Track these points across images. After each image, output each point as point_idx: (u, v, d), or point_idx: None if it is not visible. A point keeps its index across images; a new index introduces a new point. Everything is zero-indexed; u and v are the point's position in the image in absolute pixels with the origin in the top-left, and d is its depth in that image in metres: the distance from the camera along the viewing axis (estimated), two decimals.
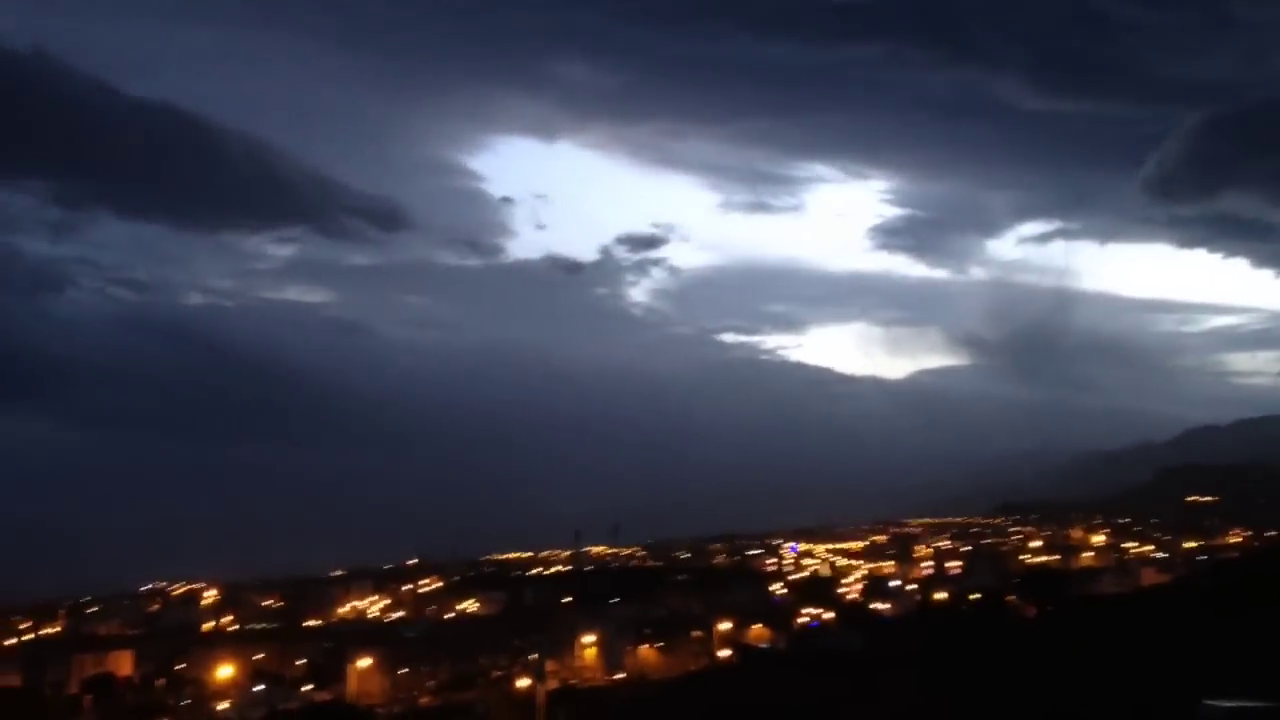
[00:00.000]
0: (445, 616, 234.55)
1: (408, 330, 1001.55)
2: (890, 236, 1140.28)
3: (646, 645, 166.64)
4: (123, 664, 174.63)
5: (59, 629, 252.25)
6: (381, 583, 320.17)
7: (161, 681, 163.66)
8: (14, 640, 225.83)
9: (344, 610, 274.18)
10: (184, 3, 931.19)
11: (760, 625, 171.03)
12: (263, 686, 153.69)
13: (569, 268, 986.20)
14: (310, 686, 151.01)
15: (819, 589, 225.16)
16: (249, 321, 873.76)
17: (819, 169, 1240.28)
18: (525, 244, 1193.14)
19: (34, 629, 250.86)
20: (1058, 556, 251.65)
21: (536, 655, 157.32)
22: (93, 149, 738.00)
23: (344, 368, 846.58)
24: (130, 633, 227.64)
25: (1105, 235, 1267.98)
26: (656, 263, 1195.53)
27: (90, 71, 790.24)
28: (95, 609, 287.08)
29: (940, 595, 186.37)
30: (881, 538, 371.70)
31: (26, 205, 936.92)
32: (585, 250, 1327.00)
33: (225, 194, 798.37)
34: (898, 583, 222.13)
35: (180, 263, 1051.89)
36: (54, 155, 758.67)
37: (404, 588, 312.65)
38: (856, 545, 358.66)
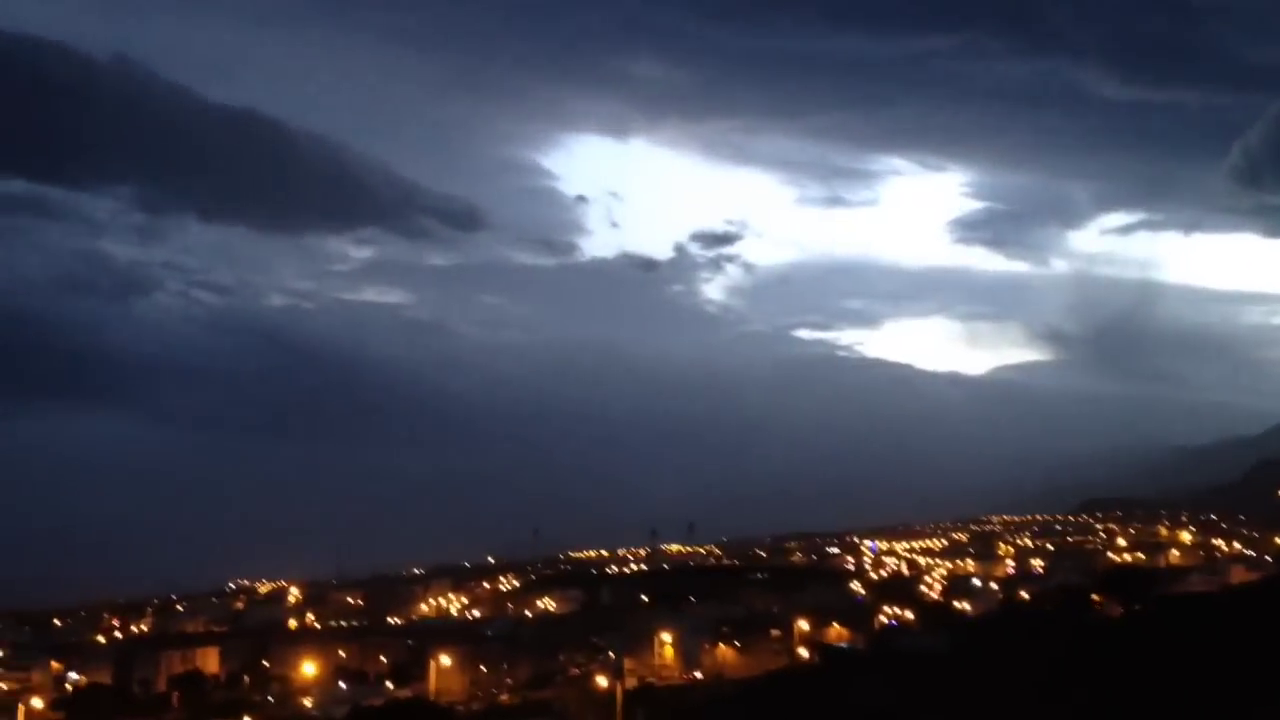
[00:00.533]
0: (524, 614, 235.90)
1: (484, 330, 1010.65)
2: (969, 229, 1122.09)
3: (724, 644, 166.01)
4: (209, 661, 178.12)
5: (147, 627, 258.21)
6: (461, 581, 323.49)
7: (247, 678, 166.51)
8: (104, 638, 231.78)
9: (424, 608, 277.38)
10: (262, 7, 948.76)
11: (839, 625, 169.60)
12: (346, 684, 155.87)
13: (643, 265, 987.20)
14: (392, 684, 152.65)
15: (899, 588, 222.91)
16: (328, 322, 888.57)
17: (895, 162, 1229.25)
18: (600, 242, 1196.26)
19: (123, 627, 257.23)
20: (1144, 554, 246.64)
21: (614, 653, 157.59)
22: (176, 154, 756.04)
23: (422, 367, 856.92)
24: (216, 630, 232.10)
25: (1190, 225, 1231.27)
26: (731, 259, 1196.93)
27: (171, 77, 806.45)
28: (182, 607, 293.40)
29: (1024, 594, 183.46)
30: (962, 536, 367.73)
31: (113, 210, 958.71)
32: (660, 248, 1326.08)
33: (305, 197, 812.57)
34: (980, 581, 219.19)
35: (262, 265, 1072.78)
36: (138, 161, 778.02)
37: (483, 586, 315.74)
38: (937, 544, 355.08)
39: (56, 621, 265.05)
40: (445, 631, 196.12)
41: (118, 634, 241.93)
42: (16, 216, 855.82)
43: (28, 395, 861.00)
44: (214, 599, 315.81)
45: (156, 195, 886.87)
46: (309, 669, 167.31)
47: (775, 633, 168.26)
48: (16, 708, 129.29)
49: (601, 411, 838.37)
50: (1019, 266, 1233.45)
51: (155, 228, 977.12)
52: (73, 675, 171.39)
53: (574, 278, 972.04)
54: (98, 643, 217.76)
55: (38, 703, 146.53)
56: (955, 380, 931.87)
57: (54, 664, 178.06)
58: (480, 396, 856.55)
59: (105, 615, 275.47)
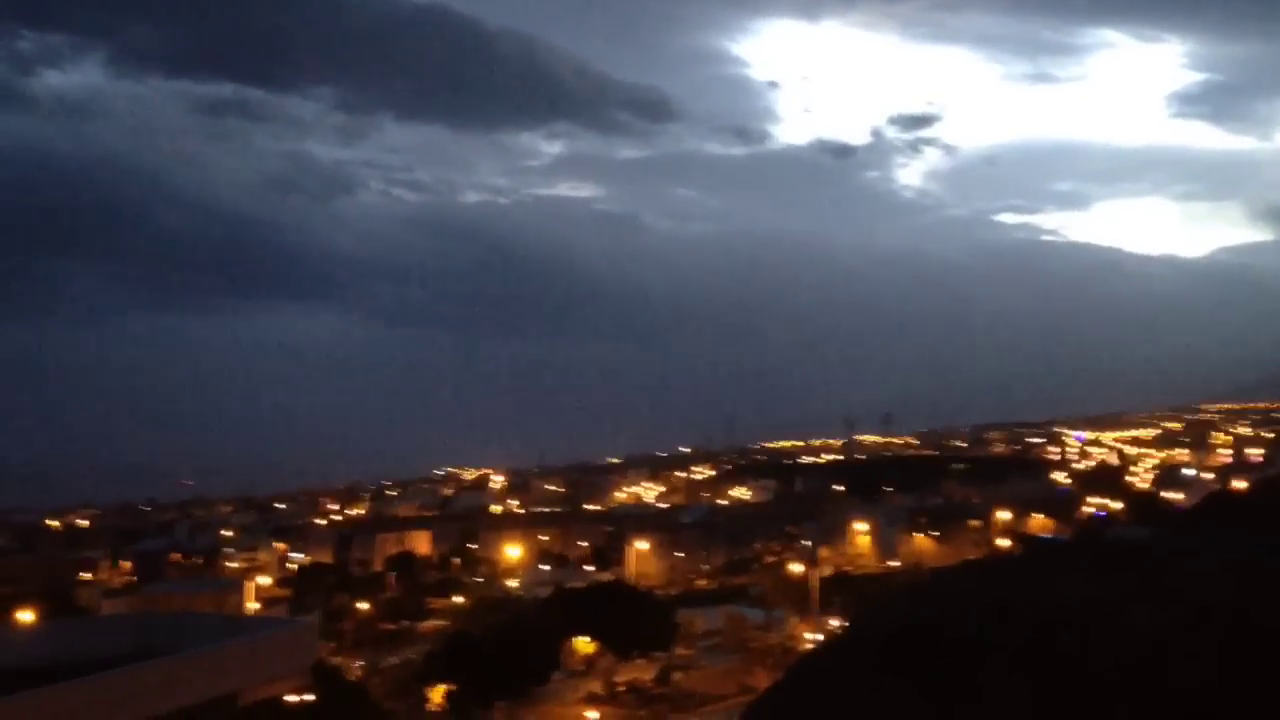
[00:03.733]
0: (718, 503, 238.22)
1: (676, 222, 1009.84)
2: (1186, 104, 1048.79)
3: (921, 534, 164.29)
4: (421, 543, 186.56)
5: (363, 510, 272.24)
6: (656, 470, 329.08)
7: (456, 560, 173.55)
8: (323, 521, 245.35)
9: (621, 496, 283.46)
10: None
11: (1041, 515, 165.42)
12: (548, 566, 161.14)
13: (838, 151, 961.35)
14: (592, 567, 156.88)
15: (1106, 478, 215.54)
16: (523, 218, 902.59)
17: (1107, 34, 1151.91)
18: (792, 130, 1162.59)
19: (341, 510, 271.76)
20: None
21: (809, 542, 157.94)
22: (374, 55, 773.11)
23: (615, 261, 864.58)
24: (427, 514, 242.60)
25: None
26: (930, 143, 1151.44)
27: None
28: (395, 492, 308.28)
29: (1239, 484, 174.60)
30: (1175, 425, 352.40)
31: (315, 112, 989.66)
32: (855, 133, 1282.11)
33: (499, 93, 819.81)
34: (1192, 472, 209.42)
35: (457, 162, 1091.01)
36: (338, 62, 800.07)
37: (678, 475, 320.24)
38: (1147, 433, 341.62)
39: (279, 505, 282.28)
40: (642, 519, 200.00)
41: (336, 517, 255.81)
42: (227, 119, 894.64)
43: (245, 294, 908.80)
44: (423, 485, 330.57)
45: (356, 96, 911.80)
46: (513, 552, 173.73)
47: (974, 523, 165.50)
48: (246, 584, 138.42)
49: (795, 303, 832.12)
50: (1240, 142, 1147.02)
51: (356, 128, 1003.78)
52: (296, 555, 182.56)
53: (766, 167, 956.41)
54: (318, 525, 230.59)
55: (265, 580, 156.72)
56: (1170, 264, 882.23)
57: (278, 545, 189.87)
58: (674, 289, 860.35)
59: (324, 500, 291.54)
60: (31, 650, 34.94)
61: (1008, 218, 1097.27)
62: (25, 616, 75.14)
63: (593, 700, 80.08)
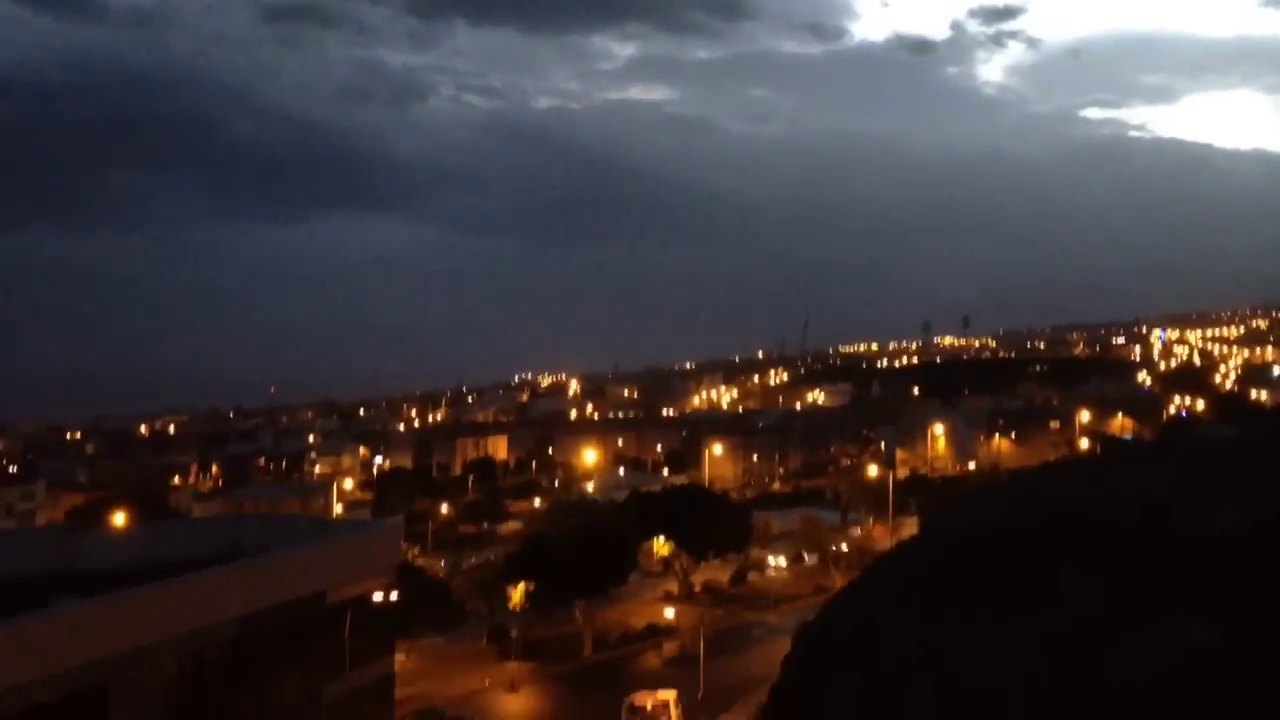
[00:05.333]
0: (794, 407, 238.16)
1: (750, 124, 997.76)
2: None
3: (999, 436, 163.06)
4: (499, 448, 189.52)
5: (442, 416, 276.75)
6: (732, 374, 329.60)
7: (534, 464, 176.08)
8: (404, 426, 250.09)
9: (696, 401, 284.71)
10: None
11: (1123, 416, 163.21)
12: (624, 470, 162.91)
13: (916, 47, 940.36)
14: (668, 471, 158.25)
15: (1190, 377, 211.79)
16: (595, 122, 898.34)
17: None
18: (869, 25, 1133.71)
19: (420, 416, 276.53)
20: None
21: (885, 445, 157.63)
22: None
23: (688, 165, 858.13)
24: (505, 420, 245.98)
25: None
26: (1013, 35, 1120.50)
27: None
28: (473, 398, 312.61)
29: None
30: (1262, 323, 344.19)
31: (386, 17, 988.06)
32: (934, 27, 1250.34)
33: None
34: None
35: (529, 67, 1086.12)
36: None
37: (753, 380, 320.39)
38: (1233, 331, 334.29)
39: (361, 411, 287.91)
40: (717, 423, 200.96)
41: (416, 422, 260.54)
42: (299, 25, 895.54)
43: (320, 202, 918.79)
44: (501, 391, 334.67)
45: (427, 0, 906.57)
46: (590, 456, 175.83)
47: (1054, 424, 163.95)
48: (331, 488, 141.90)
49: (872, 205, 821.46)
50: None
51: (426, 33, 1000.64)
52: (378, 460, 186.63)
53: (843, 65, 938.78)
54: (399, 430, 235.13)
55: (348, 484, 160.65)
56: (1261, 158, 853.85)
57: (361, 449, 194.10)
58: (748, 192, 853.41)
59: (404, 405, 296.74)
60: (128, 552, 36.24)
61: (1093, 113, 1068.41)
62: (120, 520, 77.68)
63: (669, 599, 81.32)
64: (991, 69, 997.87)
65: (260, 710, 30.69)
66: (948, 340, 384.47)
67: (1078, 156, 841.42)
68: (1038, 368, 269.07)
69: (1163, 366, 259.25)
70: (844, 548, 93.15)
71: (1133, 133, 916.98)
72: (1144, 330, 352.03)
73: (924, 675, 14.24)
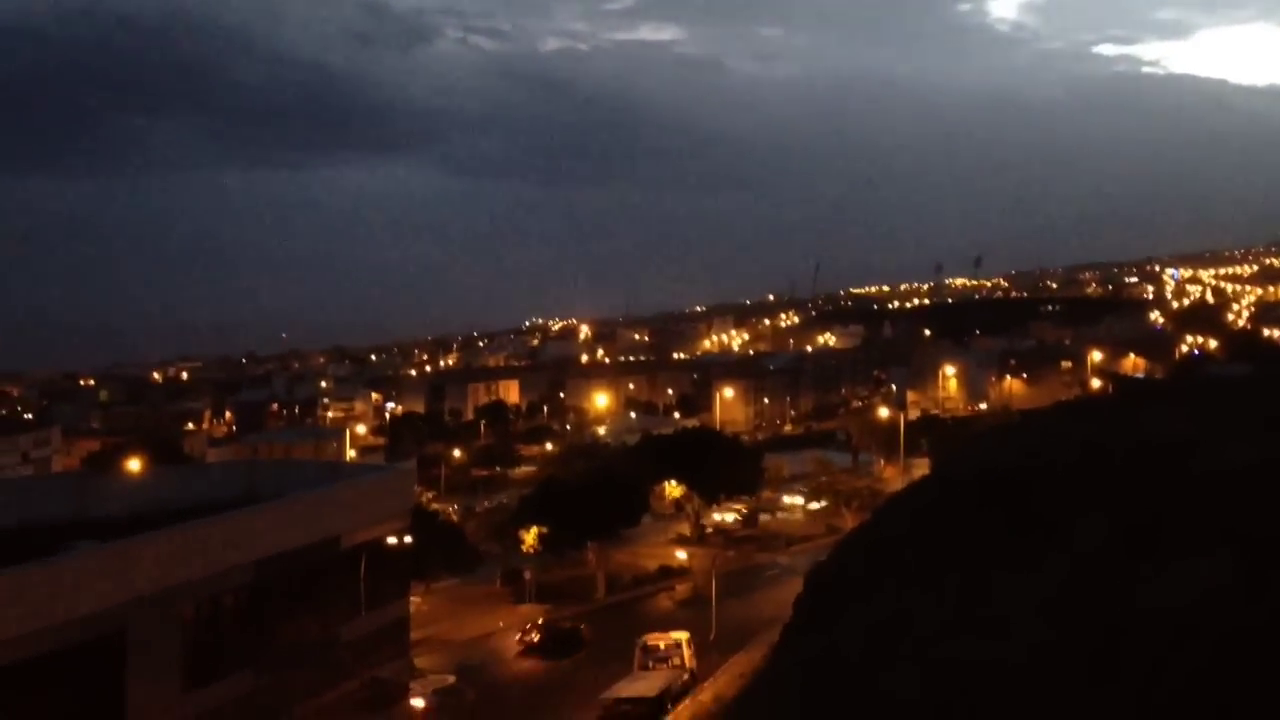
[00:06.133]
0: (805, 349, 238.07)
1: (759, 64, 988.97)
2: None
3: (1011, 377, 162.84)
4: (511, 393, 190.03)
5: (454, 361, 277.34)
6: (743, 317, 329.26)
7: (545, 408, 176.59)
8: (416, 371, 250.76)
9: (708, 344, 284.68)
10: None
11: (1136, 355, 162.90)
12: (636, 414, 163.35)
13: None
14: (679, 414, 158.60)
15: (1203, 316, 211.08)
16: (602, 64, 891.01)
17: None
18: None
19: (432, 361, 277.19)
20: None
21: (896, 386, 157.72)
22: None
23: (697, 107, 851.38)
24: (516, 364, 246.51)
25: None
26: None
27: None
28: (484, 343, 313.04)
29: None
30: (1276, 261, 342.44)
31: None
32: None
33: None
34: None
35: (536, 8, 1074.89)
36: None
37: (764, 322, 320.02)
38: (1246, 269, 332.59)
39: (373, 357, 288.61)
40: (728, 365, 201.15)
41: (428, 368, 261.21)
42: None
43: (328, 146, 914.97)
44: (512, 335, 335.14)
45: None
46: (601, 400, 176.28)
47: (1066, 364, 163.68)
48: (343, 433, 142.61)
49: (884, 144, 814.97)
50: None
51: None
52: (390, 405, 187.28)
53: (854, 3, 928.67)
54: (410, 375, 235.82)
55: (361, 428, 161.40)
56: (1276, 94, 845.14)
57: (374, 395, 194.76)
58: (758, 134, 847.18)
59: (416, 350, 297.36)
60: (144, 497, 36.50)
61: (1106, 49, 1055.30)
62: (135, 466, 78.26)
63: (681, 542, 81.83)
64: (1004, 5, 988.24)
65: (277, 653, 31.03)
66: (959, 281, 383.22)
67: (1091, 94, 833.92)
68: (1050, 308, 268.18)
69: (1175, 305, 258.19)
70: (855, 489, 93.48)
71: (1146, 69, 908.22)
72: (1157, 269, 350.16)
73: (934, 612, 14.31)
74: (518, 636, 59.74)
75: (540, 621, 61.68)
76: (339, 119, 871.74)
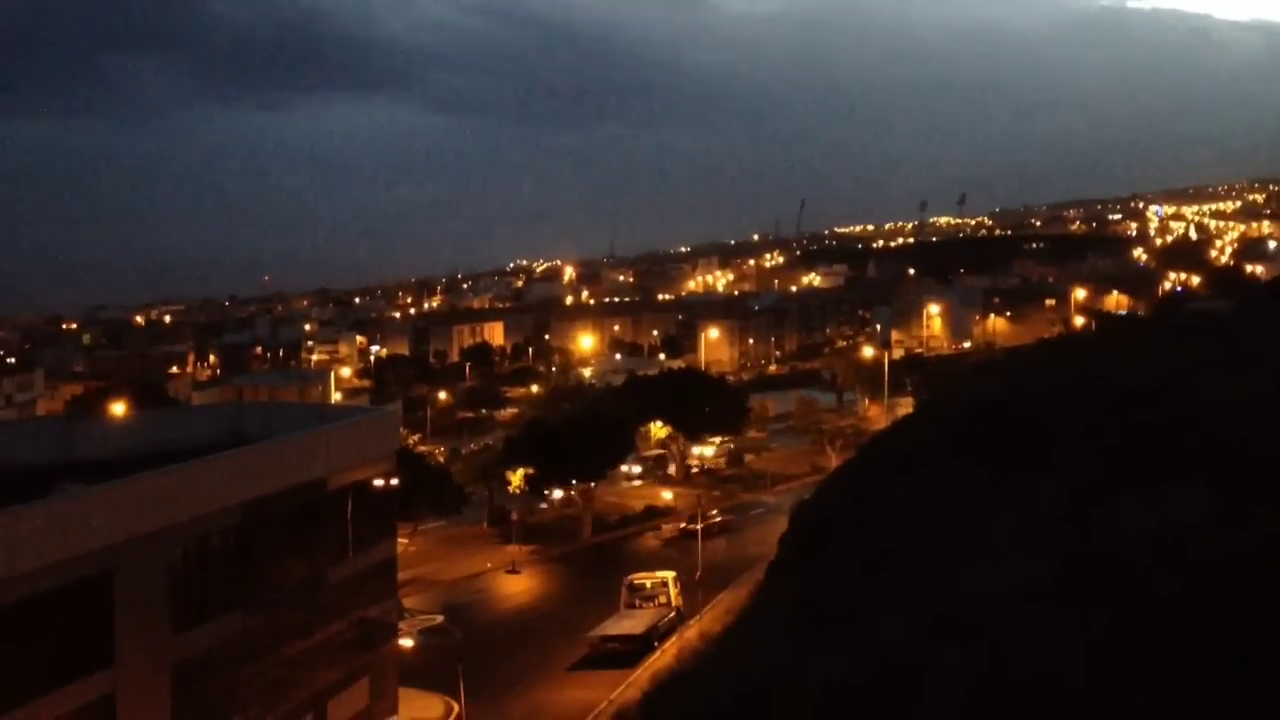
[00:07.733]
0: (789, 289, 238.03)
1: (742, 0, 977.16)
2: None
3: (995, 315, 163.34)
4: (495, 334, 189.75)
5: (438, 303, 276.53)
6: (727, 258, 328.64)
7: (530, 350, 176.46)
8: (400, 313, 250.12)
9: (692, 284, 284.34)
10: None
11: (1119, 292, 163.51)
12: (621, 355, 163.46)
13: None
14: (664, 355, 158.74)
15: (1186, 253, 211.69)
16: (585, 0, 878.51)
17: None
18: None
19: (416, 303, 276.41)
20: None
21: (881, 325, 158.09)
22: None
23: (682, 43, 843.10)
24: (501, 306, 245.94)
25: None
26: None
27: None
28: (468, 285, 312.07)
29: None
30: (1259, 197, 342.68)
31: None
32: None
33: None
34: (1275, 244, 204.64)
35: None
36: None
37: (749, 262, 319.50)
38: (1229, 205, 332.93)
39: (357, 299, 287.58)
40: (713, 306, 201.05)
41: (412, 310, 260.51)
42: None
43: (310, 84, 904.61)
44: (496, 277, 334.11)
45: None
46: (586, 342, 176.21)
47: (1050, 302, 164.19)
48: (329, 376, 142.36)
49: (867, 81, 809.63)
50: None
51: None
52: (375, 347, 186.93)
53: None
54: (395, 318, 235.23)
55: (346, 371, 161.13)
56: (1260, 29, 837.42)
57: (358, 338, 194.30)
58: (741, 70, 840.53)
59: (400, 292, 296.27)
60: (131, 440, 36.48)
61: None
62: (120, 409, 78.03)
63: (667, 481, 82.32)
64: None
65: (265, 594, 31.21)
66: (944, 220, 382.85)
67: (1075, 28, 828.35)
68: (1034, 245, 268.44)
69: (1159, 242, 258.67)
70: (840, 428, 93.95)
71: (1131, 3, 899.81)
72: (1141, 206, 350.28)
73: (920, 548, 14.44)
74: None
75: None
76: (320, 57, 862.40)
